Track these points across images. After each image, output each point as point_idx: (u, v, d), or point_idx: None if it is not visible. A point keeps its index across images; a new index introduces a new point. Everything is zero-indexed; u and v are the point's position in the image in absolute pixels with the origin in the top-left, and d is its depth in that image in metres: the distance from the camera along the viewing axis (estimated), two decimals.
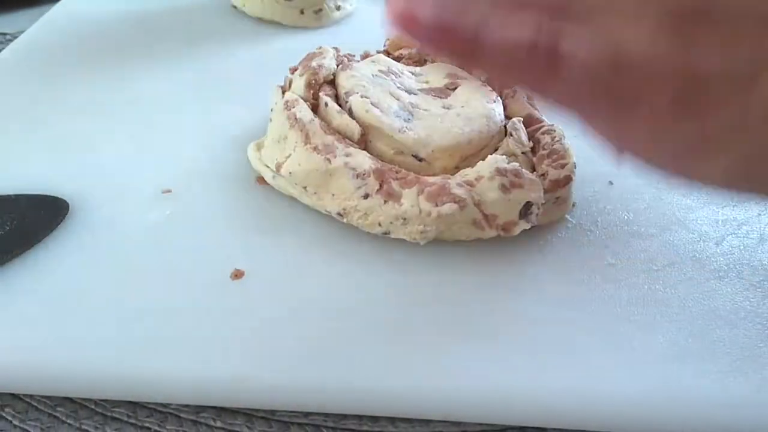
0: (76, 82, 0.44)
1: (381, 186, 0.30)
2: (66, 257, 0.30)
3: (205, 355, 0.26)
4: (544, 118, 0.36)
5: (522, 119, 0.35)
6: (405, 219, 0.30)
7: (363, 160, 0.31)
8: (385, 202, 0.30)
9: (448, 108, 0.35)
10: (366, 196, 0.30)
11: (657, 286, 0.30)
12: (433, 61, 0.40)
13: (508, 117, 0.35)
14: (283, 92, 0.36)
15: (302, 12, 0.53)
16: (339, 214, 0.31)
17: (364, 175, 0.30)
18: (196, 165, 0.37)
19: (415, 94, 0.36)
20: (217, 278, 0.29)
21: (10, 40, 0.54)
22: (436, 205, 0.29)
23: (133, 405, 0.27)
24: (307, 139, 0.32)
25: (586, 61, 0.18)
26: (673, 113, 0.19)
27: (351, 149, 0.31)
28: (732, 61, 0.18)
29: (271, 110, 0.36)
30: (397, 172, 0.31)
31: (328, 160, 0.31)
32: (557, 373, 0.26)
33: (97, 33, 0.51)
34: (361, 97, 0.34)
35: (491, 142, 0.34)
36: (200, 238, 0.32)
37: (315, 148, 0.31)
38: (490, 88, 0.36)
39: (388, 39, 0.41)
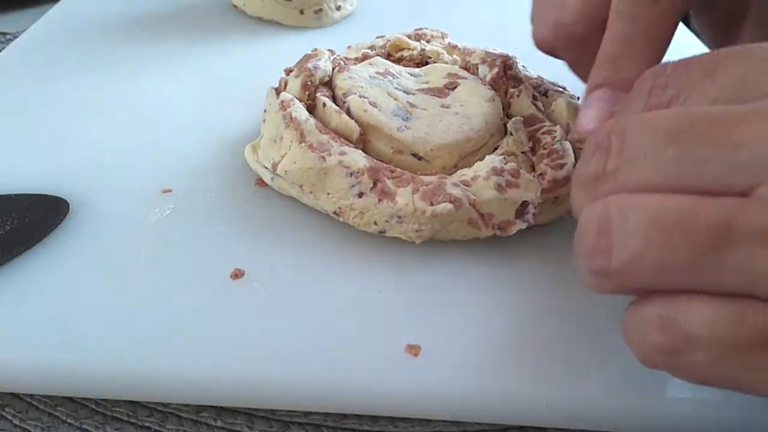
0: (77, 82, 0.44)
1: (375, 184, 0.30)
2: (66, 257, 0.30)
3: (205, 355, 0.26)
4: (545, 118, 0.36)
5: (523, 119, 0.35)
6: (400, 217, 0.30)
7: (357, 158, 0.31)
8: (380, 200, 0.30)
9: (447, 107, 0.35)
10: (360, 195, 0.30)
11: None
12: (434, 62, 0.40)
13: (510, 116, 0.35)
14: (278, 93, 0.36)
15: (302, 12, 0.53)
16: (335, 213, 0.31)
17: (357, 173, 0.31)
18: (196, 164, 0.37)
19: (413, 94, 0.36)
20: (217, 278, 0.29)
21: (11, 40, 0.54)
22: (431, 204, 0.30)
23: (133, 404, 0.27)
24: (302, 138, 0.32)
25: None
26: None
27: (346, 148, 0.32)
28: None
29: (265, 111, 0.36)
30: (392, 171, 0.31)
31: (323, 158, 0.31)
32: (557, 373, 0.26)
33: (97, 33, 0.52)
34: (359, 97, 0.34)
35: (491, 140, 0.34)
36: (200, 238, 0.32)
37: (310, 147, 0.32)
38: (489, 87, 0.36)
39: (389, 40, 0.41)
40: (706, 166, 0.18)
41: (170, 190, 0.35)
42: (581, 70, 0.35)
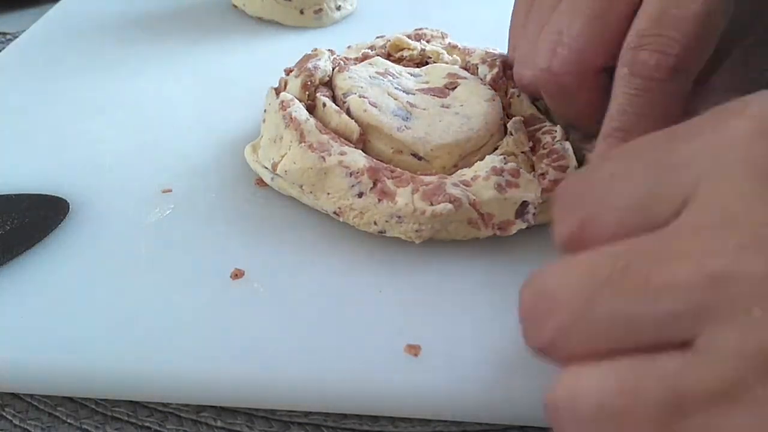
0: (77, 82, 0.44)
1: (375, 184, 0.30)
2: (66, 257, 0.30)
3: (205, 355, 0.26)
4: (546, 118, 0.36)
5: (523, 119, 0.35)
6: (400, 217, 0.30)
7: (357, 158, 0.31)
8: (380, 200, 0.30)
9: (446, 107, 0.35)
10: (360, 195, 0.30)
11: None
12: (434, 62, 0.40)
13: (510, 116, 0.35)
14: (278, 93, 0.36)
15: (302, 12, 0.53)
16: (335, 213, 0.31)
17: (357, 173, 0.31)
18: (196, 164, 0.37)
19: (413, 94, 0.36)
20: (217, 278, 0.29)
21: (11, 40, 0.54)
22: (431, 204, 0.30)
23: (133, 404, 0.27)
24: (302, 138, 0.32)
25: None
26: None
27: (346, 148, 0.32)
28: None
29: (264, 111, 0.36)
30: (392, 171, 0.31)
31: (323, 158, 0.31)
32: (557, 373, 0.26)
33: (97, 33, 0.52)
34: (359, 97, 0.34)
35: (491, 140, 0.34)
36: (200, 238, 0.32)
37: (310, 147, 0.32)
38: (489, 87, 0.36)
39: (389, 40, 0.41)
40: (634, 323, 0.17)
41: (170, 190, 0.35)
42: (562, 114, 0.34)
